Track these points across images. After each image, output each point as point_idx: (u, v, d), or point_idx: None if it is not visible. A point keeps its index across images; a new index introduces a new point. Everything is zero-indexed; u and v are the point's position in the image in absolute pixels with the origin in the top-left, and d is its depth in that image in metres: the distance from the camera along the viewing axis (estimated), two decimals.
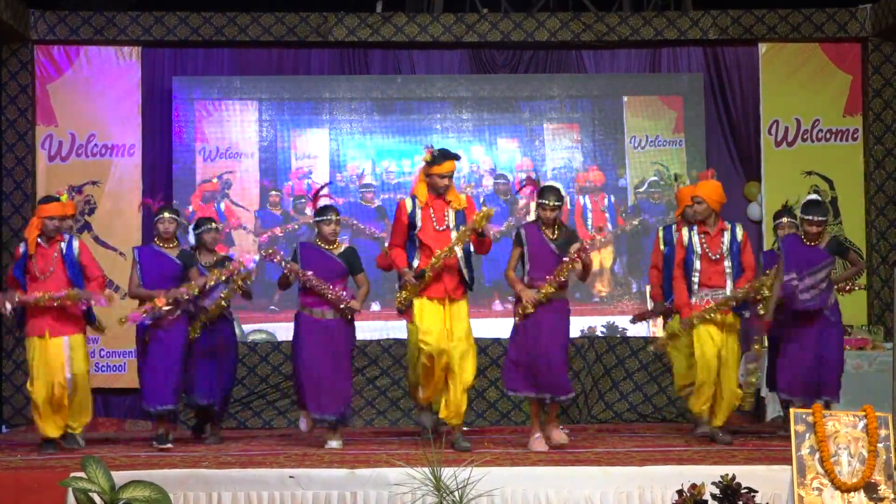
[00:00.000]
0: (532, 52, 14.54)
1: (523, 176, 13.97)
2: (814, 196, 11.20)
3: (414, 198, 10.42)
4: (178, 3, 14.15)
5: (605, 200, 14.29)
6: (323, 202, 11.12)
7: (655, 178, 14.22)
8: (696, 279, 10.47)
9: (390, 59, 14.53)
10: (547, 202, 10.38)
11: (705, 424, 10.87)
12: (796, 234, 10.83)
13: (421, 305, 10.36)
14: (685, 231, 10.57)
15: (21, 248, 10.79)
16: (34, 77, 13.96)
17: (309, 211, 13.36)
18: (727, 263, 10.41)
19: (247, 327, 13.93)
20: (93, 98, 14.01)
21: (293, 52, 14.46)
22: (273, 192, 14.21)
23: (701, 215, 10.51)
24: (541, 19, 14.28)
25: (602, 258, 14.16)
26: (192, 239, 11.54)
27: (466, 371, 10.41)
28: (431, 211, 10.38)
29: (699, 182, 10.98)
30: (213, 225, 11.68)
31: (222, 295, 11.05)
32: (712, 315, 10.41)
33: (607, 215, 14.26)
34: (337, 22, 14.17)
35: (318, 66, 14.50)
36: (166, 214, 11.10)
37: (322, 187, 11.30)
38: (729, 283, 10.44)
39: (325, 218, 10.73)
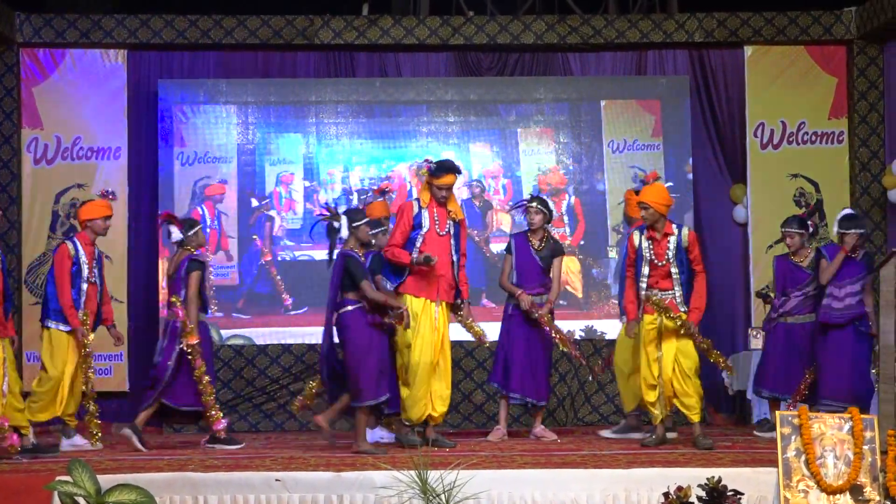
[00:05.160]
0: (518, 54, 14.56)
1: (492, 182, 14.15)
2: (849, 210, 11.56)
3: (418, 200, 10.72)
4: (163, 5, 14.14)
5: (564, 204, 14.29)
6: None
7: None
8: (643, 284, 10.55)
9: (376, 62, 14.53)
10: (531, 205, 11.46)
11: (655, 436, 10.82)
12: (837, 245, 11.28)
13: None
14: (636, 234, 10.65)
15: (70, 248, 10.95)
16: (19, 80, 13.94)
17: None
18: (673, 269, 10.51)
19: (225, 332, 13.90)
20: (78, 101, 13.99)
21: (279, 55, 14.45)
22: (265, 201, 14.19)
23: (648, 220, 10.54)
24: (527, 22, 14.29)
25: (567, 266, 14.10)
26: (176, 236, 11.14)
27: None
28: (435, 214, 10.77)
29: (643, 187, 11.07)
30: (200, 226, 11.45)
31: None
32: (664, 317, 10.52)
33: (566, 218, 14.27)
34: (323, 25, 14.17)
35: (304, 69, 14.50)
36: None
37: (328, 212, 11.37)
38: (677, 288, 10.49)
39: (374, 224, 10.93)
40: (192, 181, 14.11)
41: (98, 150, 13.95)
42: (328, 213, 10.40)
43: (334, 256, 10.29)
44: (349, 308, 10.10)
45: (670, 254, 10.47)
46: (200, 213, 13.96)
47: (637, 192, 11.34)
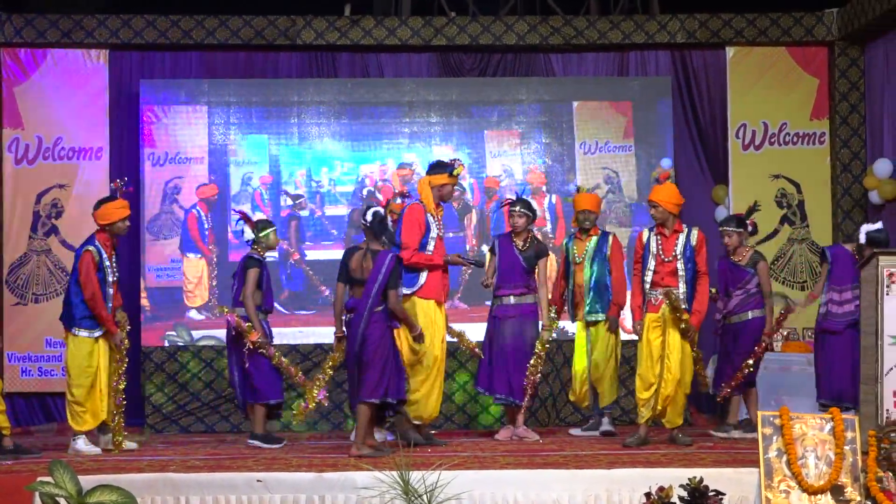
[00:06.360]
0: (500, 55, 14.56)
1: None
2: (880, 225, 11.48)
3: (423, 204, 10.98)
4: (145, 6, 14.10)
5: (546, 201, 14.29)
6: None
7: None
8: (648, 279, 10.79)
9: (358, 63, 14.51)
10: (514, 208, 11.51)
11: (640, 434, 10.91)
12: (840, 245, 11.48)
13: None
14: (645, 232, 10.94)
15: (95, 254, 10.74)
16: (0, 80, 13.88)
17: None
18: (679, 266, 10.70)
19: (196, 333, 13.83)
20: (60, 101, 13.94)
21: (261, 56, 14.42)
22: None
23: (658, 219, 10.78)
24: (509, 23, 14.29)
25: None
26: (248, 235, 11.43)
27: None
28: (434, 217, 11.01)
29: (654, 186, 11.18)
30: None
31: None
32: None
33: (548, 216, 14.27)
34: (305, 25, 14.15)
35: (286, 69, 14.47)
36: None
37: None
38: (682, 285, 10.72)
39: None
40: (164, 182, 13.97)
41: (79, 151, 13.90)
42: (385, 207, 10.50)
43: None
44: (381, 308, 10.07)
45: (678, 249, 10.68)
46: (196, 214, 13.92)
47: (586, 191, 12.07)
